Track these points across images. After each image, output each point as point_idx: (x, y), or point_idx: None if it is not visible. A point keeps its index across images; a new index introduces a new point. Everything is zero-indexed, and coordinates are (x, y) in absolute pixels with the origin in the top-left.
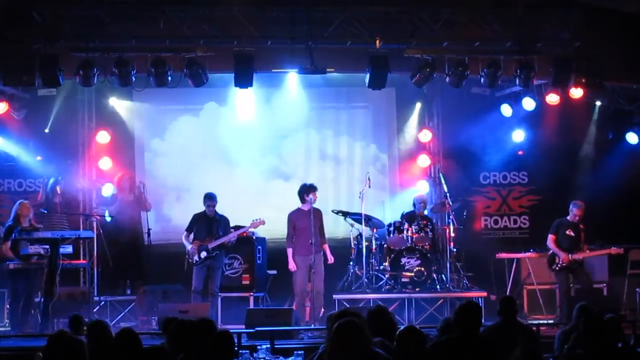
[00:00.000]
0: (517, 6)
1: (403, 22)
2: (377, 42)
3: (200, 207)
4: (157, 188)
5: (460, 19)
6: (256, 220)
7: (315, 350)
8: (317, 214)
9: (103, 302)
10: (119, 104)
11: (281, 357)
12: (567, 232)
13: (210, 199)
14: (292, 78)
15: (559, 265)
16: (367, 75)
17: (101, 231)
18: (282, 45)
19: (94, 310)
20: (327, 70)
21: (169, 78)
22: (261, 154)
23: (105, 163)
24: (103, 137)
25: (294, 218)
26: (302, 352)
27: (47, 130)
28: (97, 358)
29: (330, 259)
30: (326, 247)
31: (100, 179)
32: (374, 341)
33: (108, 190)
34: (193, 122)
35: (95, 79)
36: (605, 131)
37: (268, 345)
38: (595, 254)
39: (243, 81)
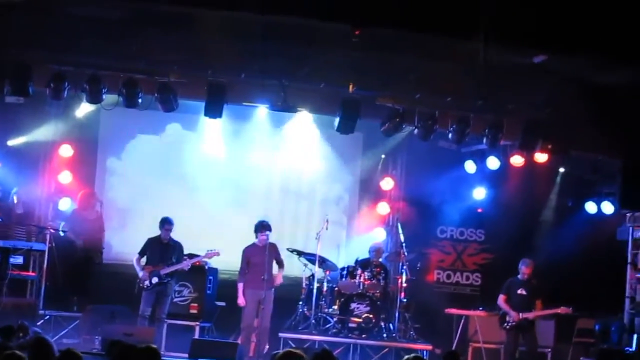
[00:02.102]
0: (490, 67)
1: (377, 70)
2: (351, 86)
3: (155, 231)
4: (113, 207)
5: (434, 74)
6: (211, 250)
7: None
8: (272, 248)
9: (48, 317)
10: (84, 119)
11: None
12: (519, 291)
13: (167, 223)
14: (261, 112)
15: (509, 324)
16: (337, 119)
17: (54, 245)
18: (256, 79)
19: (38, 323)
20: (298, 109)
21: (140, 100)
22: (222, 183)
23: (66, 177)
24: (66, 150)
25: (249, 253)
26: None
27: (9, 144)
28: None
29: (279, 280)
30: (281, 272)
31: (59, 192)
32: None
33: (65, 204)
34: (153, 143)
35: (66, 93)
36: (565, 198)
37: None
38: (545, 313)
39: (213, 111)
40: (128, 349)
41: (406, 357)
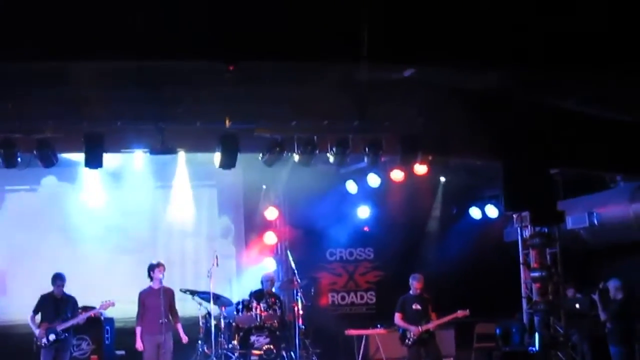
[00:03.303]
0: (363, 86)
1: (252, 102)
2: (227, 121)
3: (46, 287)
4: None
5: (309, 99)
6: (106, 301)
7: None
8: (168, 293)
9: None
10: None
11: None
12: (414, 306)
13: (60, 279)
14: (139, 156)
15: (410, 340)
16: (218, 155)
17: None
18: (132, 125)
19: None
20: (178, 149)
21: (19, 159)
22: (106, 231)
23: None
24: None
25: (144, 297)
26: None
27: None
28: None
29: (184, 339)
30: (179, 326)
31: None
32: None
33: None
34: (29, 198)
35: None
36: (449, 206)
37: None
38: (444, 320)
39: (93, 162)
40: None
41: None
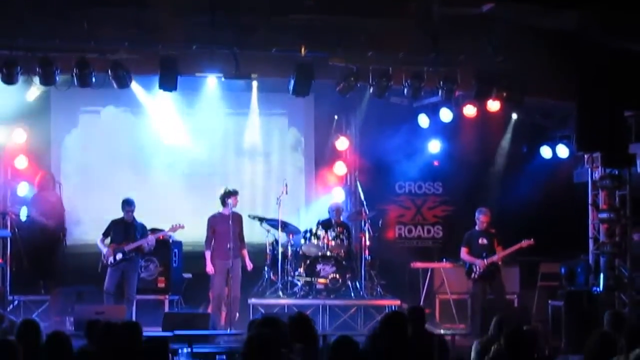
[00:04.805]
0: (440, 19)
1: (328, 31)
2: (302, 49)
3: (117, 211)
4: (73, 188)
5: (385, 31)
6: (175, 224)
7: (234, 355)
8: (237, 219)
9: (17, 302)
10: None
11: None
12: (480, 241)
13: (128, 204)
14: (211, 82)
15: (477, 274)
16: (292, 82)
17: (16, 230)
18: (207, 49)
19: (8, 309)
20: (252, 75)
21: (93, 79)
22: (177, 157)
23: (21, 162)
24: (19, 135)
25: (214, 222)
26: (224, 356)
27: None
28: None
29: (249, 266)
30: (245, 253)
31: (16, 177)
32: (295, 348)
33: (23, 189)
34: (105, 124)
35: (19, 77)
36: (520, 144)
37: (188, 350)
38: (509, 251)
39: (167, 84)
40: (109, 327)
41: (386, 312)
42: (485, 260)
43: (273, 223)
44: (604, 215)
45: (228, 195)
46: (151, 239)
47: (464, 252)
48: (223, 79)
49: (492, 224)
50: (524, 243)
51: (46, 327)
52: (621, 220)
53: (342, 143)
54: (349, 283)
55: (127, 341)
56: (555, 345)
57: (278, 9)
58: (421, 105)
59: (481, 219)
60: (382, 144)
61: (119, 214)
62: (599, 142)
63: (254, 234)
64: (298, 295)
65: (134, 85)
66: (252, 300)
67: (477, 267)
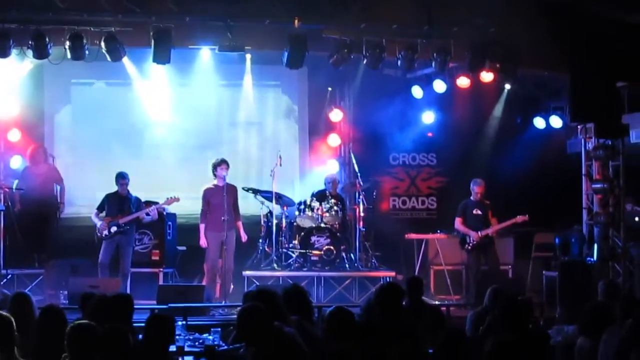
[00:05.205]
0: None
1: (321, 3)
2: (296, 21)
3: (110, 185)
4: (66, 161)
5: (378, 2)
6: (170, 197)
7: (229, 327)
8: (231, 190)
9: (10, 275)
10: (28, 74)
11: (196, 334)
12: (474, 211)
13: (122, 177)
14: (205, 55)
15: (470, 245)
16: (285, 55)
17: (9, 203)
18: (200, 21)
19: (2, 283)
20: (245, 48)
21: (86, 52)
22: (171, 129)
23: (14, 135)
24: (12, 107)
25: (208, 194)
26: (219, 329)
27: None
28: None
29: (244, 237)
30: (240, 224)
31: (9, 150)
32: (291, 320)
33: (17, 162)
34: (100, 96)
35: (12, 50)
36: (513, 115)
37: (183, 322)
38: (503, 225)
39: (161, 57)
40: (102, 301)
41: (381, 284)
42: (479, 233)
43: (267, 195)
44: (598, 186)
45: (216, 166)
46: (153, 209)
47: (458, 222)
48: (217, 51)
49: (486, 195)
50: (519, 218)
51: (40, 300)
52: (614, 191)
53: (336, 115)
54: (344, 255)
55: (119, 315)
56: (550, 316)
57: None
58: (415, 77)
59: (476, 189)
60: (376, 116)
61: (113, 187)
62: (592, 113)
63: (249, 206)
64: (292, 267)
65: (127, 59)
66: (247, 273)
67: (472, 238)
